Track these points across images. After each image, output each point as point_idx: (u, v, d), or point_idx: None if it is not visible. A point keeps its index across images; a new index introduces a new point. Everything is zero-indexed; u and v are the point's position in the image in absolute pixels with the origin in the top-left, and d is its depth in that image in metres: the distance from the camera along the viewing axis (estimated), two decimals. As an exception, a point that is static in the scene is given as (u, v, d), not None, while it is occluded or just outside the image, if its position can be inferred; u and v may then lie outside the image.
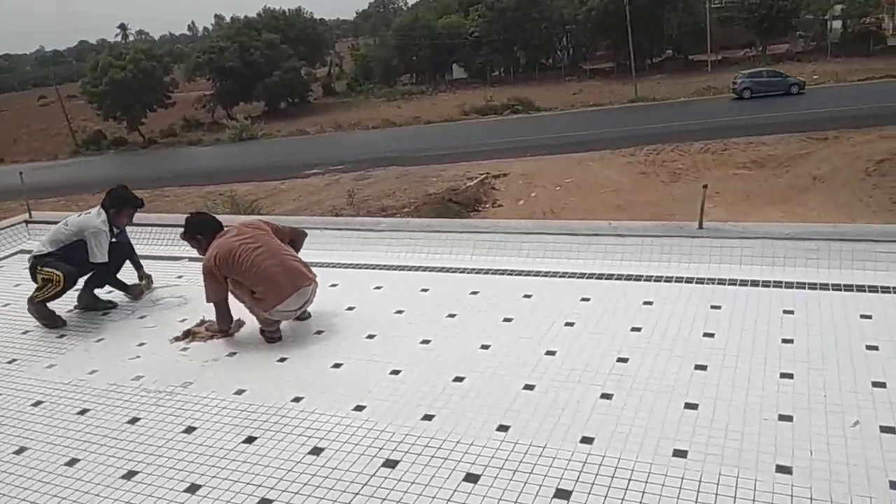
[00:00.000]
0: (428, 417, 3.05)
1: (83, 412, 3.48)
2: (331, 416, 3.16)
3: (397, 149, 35.21)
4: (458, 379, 3.34)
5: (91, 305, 4.89)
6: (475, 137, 35.85)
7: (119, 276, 4.96)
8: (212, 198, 25.70)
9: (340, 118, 48.67)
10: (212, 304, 4.08)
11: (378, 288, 4.64)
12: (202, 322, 4.34)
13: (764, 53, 52.85)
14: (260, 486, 2.74)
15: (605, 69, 57.20)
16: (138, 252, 5.21)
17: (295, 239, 4.22)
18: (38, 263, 4.60)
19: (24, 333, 4.62)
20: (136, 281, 5.08)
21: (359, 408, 3.20)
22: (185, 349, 4.07)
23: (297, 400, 3.34)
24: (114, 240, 4.78)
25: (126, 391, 3.64)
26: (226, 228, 4.11)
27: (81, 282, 4.74)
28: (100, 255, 4.62)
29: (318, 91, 62.05)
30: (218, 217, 4.36)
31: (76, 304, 4.87)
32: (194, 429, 3.20)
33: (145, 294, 5.03)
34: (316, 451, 2.92)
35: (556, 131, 34.70)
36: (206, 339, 4.21)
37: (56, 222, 6.73)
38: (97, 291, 4.92)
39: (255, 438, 3.07)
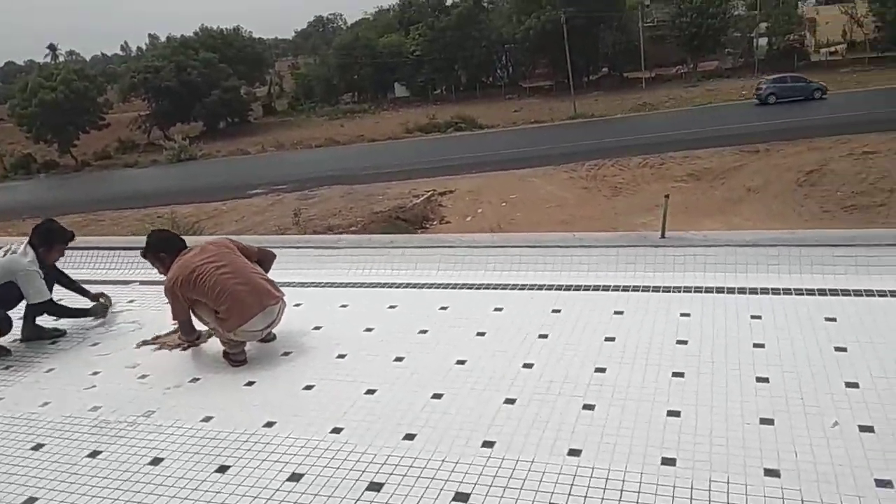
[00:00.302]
0: (409, 437, 2.97)
1: (37, 447, 3.27)
2: (307, 440, 3.04)
3: (341, 167, 35.02)
4: (437, 396, 3.26)
5: (35, 335, 4.63)
6: (420, 155, 35.95)
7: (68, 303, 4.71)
8: (149, 220, 25.02)
9: (282, 137, 48.17)
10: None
11: (344, 306, 4.54)
12: (174, 331, 4.19)
13: (695, 70, 54.83)
14: (242, 517, 2.61)
15: (543, 87, 58.33)
16: (87, 276, 4.97)
17: (263, 259, 4.09)
18: None
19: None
20: (91, 303, 4.81)
21: (336, 430, 3.10)
22: (143, 377, 3.87)
23: (269, 425, 3.21)
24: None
25: (83, 423, 3.43)
26: (189, 247, 3.96)
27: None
28: (37, 294, 4.32)
29: (258, 111, 61.29)
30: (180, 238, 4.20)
31: (21, 336, 4.60)
32: (161, 460, 3.04)
33: (109, 311, 4.80)
34: (295, 477, 2.80)
35: (499, 148, 35.12)
36: (173, 348, 4.13)
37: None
38: (39, 320, 4.67)
39: (228, 467, 2.92)
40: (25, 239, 4.54)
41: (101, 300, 4.83)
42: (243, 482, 2.81)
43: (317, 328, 4.23)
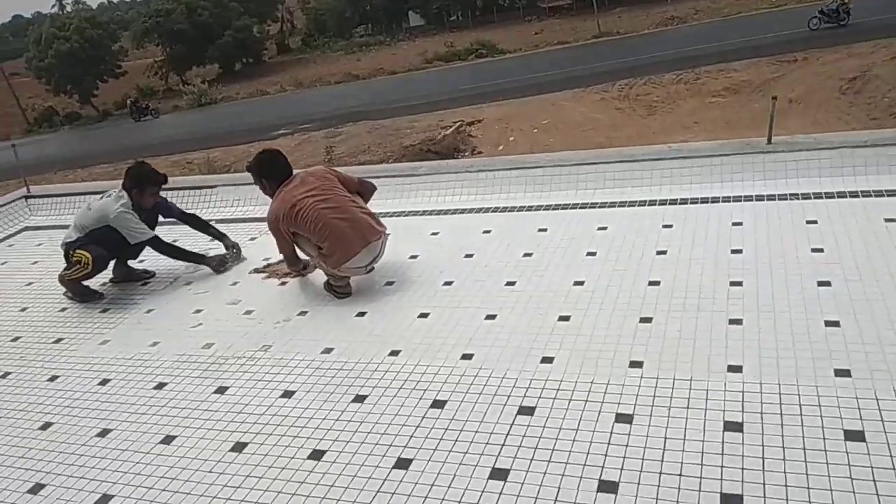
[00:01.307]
0: (547, 360, 2.86)
1: (160, 386, 3.23)
2: (439, 367, 2.95)
3: (364, 102, 34.43)
4: (564, 318, 3.14)
5: (126, 276, 4.59)
6: (443, 85, 35.16)
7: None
8: (181, 166, 24.98)
9: (300, 75, 47.33)
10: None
11: (435, 234, 4.40)
12: (279, 261, 4.19)
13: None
14: (391, 445, 2.54)
15: (563, 6, 56.30)
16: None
17: (363, 191, 3.94)
18: (69, 249, 4.27)
19: (62, 311, 4.31)
20: (219, 251, 4.60)
21: (466, 356, 3.00)
22: (248, 312, 3.81)
23: (394, 353, 3.13)
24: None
25: (200, 360, 3.39)
26: (291, 177, 3.80)
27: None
28: (138, 232, 4.24)
29: (272, 49, 60.19)
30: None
31: (111, 277, 4.56)
32: (292, 392, 2.98)
33: (232, 265, 4.53)
34: (438, 403, 2.72)
35: (523, 73, 34.17)
36: (282, 276, 4.13)
37: (57, 195, 6.41)
38: (131, 263, 4.62)
39: (365, 396, 2.86)
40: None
41: (233, 250, 4.59)
42: (385, 410, 2.74)
43: (413, 257, 4.11)
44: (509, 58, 41.21)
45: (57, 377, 3.50)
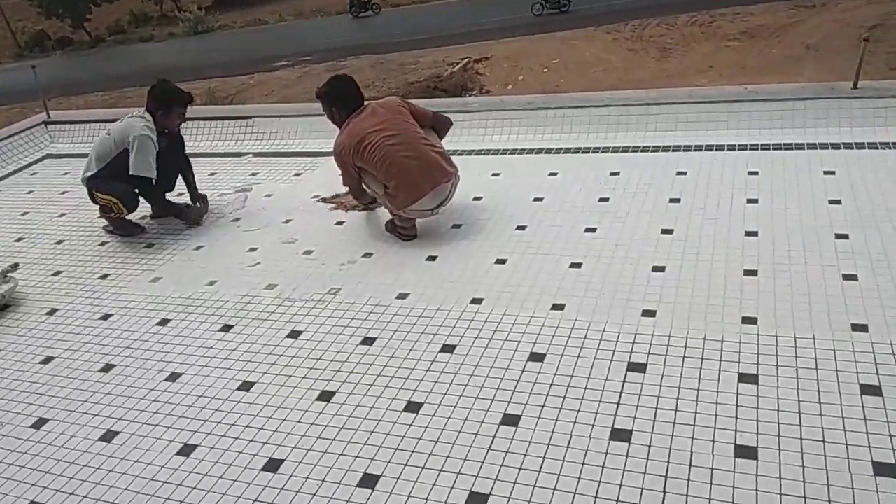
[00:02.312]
0: (649, 313, 2.70)
1: (226, 328, 3.06)
2: (529, 318, 2.79)
3: (367, 36, 33.40)
4: (659, 268, 2.97)
5: (165, 210, 4.36)
6: (448, 20, 34.11)
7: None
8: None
9: (299, 5, 45.92)
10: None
11: (496, 174, 4.18)
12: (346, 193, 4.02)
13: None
14: (492, 399, 2.39)
15: (572, -59, 54.36)
16: (194, 149, 4.55)
17: (437, 126, 3.69)
18: (92, 186, 3.98)
19: (101, 245, 4.10)
20: (188, 202, 4.28)
21: (557, 306, 2.83)
22: (308, 253, 3.61)
23: (476, 301, 2.95)
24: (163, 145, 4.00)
25: (265, 302, 3.21)
26: (361, 107, 3.55)
27: None
28: (143, 166, 3.85)
29: (270, -23, 58.10)
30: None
31: (150, 213, 4.34)
32: (373, 339, 2.81)
33: (203, 219, 4.21)
34: (535, 356, 2.56)
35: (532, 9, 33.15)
36: (349, 209, 3.97)
37: (79, 122, 6.11)
38: (168, 195, 4.36)
39: (454, 346, 2.69)
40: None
41: (199, 204, 4.25)
42: (478, 362, 2.58)
43: (477, 199, 3.90)
44: (517, -7, 40.01)
45: (110, 315, 3.32)
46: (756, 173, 3.62)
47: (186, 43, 40.48)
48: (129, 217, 4.12)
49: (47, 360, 3.05)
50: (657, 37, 26.64)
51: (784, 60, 21.94)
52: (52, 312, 3.44)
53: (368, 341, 2.80)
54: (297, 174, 4.68)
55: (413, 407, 2.41)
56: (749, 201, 3.37)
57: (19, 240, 4.35)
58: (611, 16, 26.97)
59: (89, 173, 4.00)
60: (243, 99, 25.23)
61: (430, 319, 2.88)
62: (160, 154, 3.97)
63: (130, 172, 3.88)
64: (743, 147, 3.92)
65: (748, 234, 3.10)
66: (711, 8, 28.17)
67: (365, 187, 3.61)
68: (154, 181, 3.97)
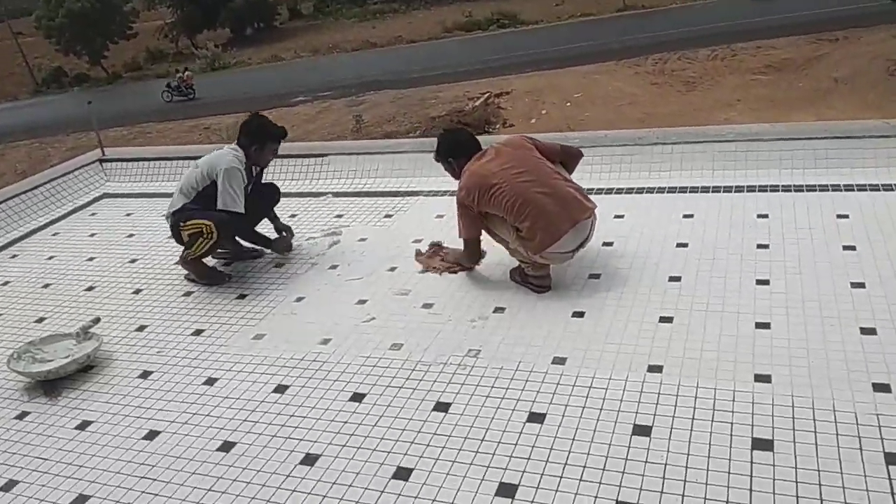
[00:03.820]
0: (882, 388, 2.28)
1: (357, 398, 2.65)
2: (732, 391, 2.37)
3: (385, 71, 33.53)
4: (868, 331, 2.55)
5: (237, 254, 3.99)
6: (466, 55, 34.26)
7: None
8: (198, 131, 24.29)
9: (314, 42, 46.32)
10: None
11: (619, 216, 3.79)
12: (435, 248, 3.65)
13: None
14: (708, 498, 1.96)
15: (583, -22, 54.97)
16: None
17: (566, 160, 3.31)
18: (178, 220, 3.67)
19: (187, 296, 3.71)
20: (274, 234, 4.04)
21: (762, 377, 2.41)
22: (428, 306, 3.21)
23: (655, 370, 2.54)
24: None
25: (395, 365, 2.80)
26: (483, 149, 3.20)
27: None
28: (230, 199, 3.59)
29: (283, 14, 58.88)
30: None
31: (220, 254, 3.96)
32: (542, 415, 2.39)
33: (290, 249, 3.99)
34: (760, 444, 2.14)
35: (550, 45, 33.22)
36: (443, 271, 3.50)
37: (134, 159, 5.77)
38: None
39: (649, 428, 2.28)
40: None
41: (285, 234, 4.04)
42: (689, 450, 2.15)
43: (607, 244, 3.50)
44: (532, 29, 40.20)
45: (215, 380, 2.92)
46: (927, 216, 3.23)
47: (203, 79, 40.72)
48: (215, 263, 3.75)
49: (151, 434, 2.64)
50: (679, 70, 26.55)
51: (814, 94, 21.72)
52: (145, 375, 3.03)
53: (537, 417, 2.39)
54: (388, 216, 4.30)
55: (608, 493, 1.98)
56: (937, 248, 2.97)
57: (90, 289, 3.97)
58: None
59: (174, 208, 3.67)
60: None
61: (603, 392, 2.46)
62: (249, 189, 3.71)
63: (218, 207, 3.60)
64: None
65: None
66: (730, 42, 28.17)
67: (490, 236, 3.22)
68: (242, 215, 3.68)
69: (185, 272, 3.83)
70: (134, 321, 3.52)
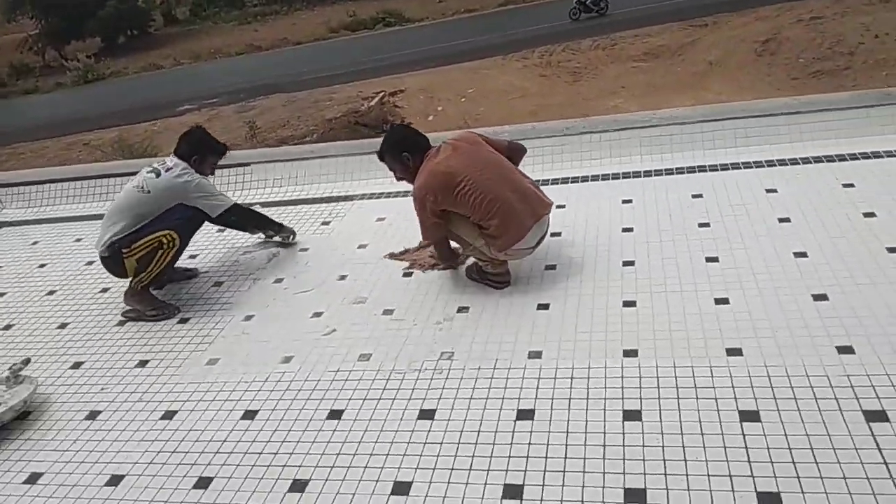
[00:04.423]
0: (846, 350, 2.42)
1: (335, 414, 2.56)
2: (710, 367, 2.45)
3: (273, 75, 32.59)
4: (820, 297, 2.70)
5: (169, 277, 3.76)
6: (355, 55, 33.86)
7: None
8: (77, 149, 22.83)
9: (194, 47, 44.54)
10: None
11: (561, 206, 3.83)
12: (419, 247, 3.57)
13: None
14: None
15: (461, -26, 55.62)
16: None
17: (513, 154, 3.30)
18: (120, 247, 3.37)
19: (120, 325, 3.47)
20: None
21: (733, 351, 2.51)
22: (388, 312, 3.13)
23: (630, 354, 2.58)
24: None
25: (366, 377, 2.72)
26: (437, 146, 3.14)
27: None
28: (217, 203, 3.56)
29: (158, 21, 56.25)
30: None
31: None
32: (531, 411, 2.39)
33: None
34: (747, 415, 2.22)
35: (436, 42, 33.32)
36: (427, 268, 3.45)
37: (33, 182, 5.34)
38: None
39: (638, 413, 2.31)
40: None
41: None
42: (683, 430, 2.20)
43: (555, 234, 3.54)
44: (418, 26, 40.25)
45: (174, 412, 2.73)
46: (851, 185, 3.46)
47: (77, 93, 38.25)
48: (156, 292, 3.53)
49: (114, 479, 2.44)
50: (565, 62, 27.31)
51: (691, 77, 22.91)
52: (93, 416, 2.81)
53: (527, 414, 2.38)
54: (326, 223, 4.18)
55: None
56: (866, 215, 3.18)
57: (7, 328, 3.63)
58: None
59: (116, 235, 3.37)
60: (153, 148, 24.01)
61: (585, 381, 2.49)
62: None
63: (213, 217, 3.55)
64: (830, 158, 3.76)
65: (890, 249, 2.90)
66: (608, 32, 29.27)
67: (448, 237, 3.18)
68: (235, 204, 3.68)
69: (127, 308, 3.52)
70: (66, 358, 3.25)
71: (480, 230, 3.04)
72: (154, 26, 54.76)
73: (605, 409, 2.33)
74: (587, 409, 2.35)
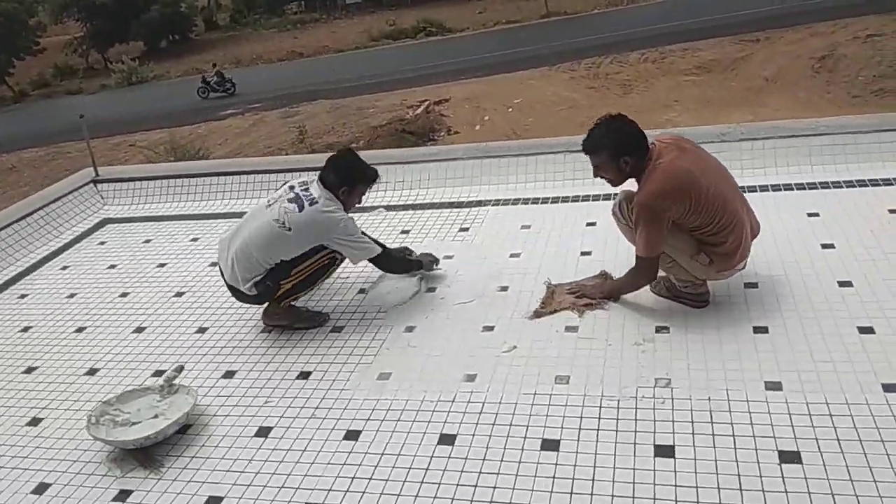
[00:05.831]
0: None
1: (552, 445, 2.25)
2: None
3: (316, 81, 32.76)
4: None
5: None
6: (397, 64, 33.90)
7: None
8: (123, 149, 23.02)
9: (236, 53, 44.98)
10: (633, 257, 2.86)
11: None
12: (549, 292, 3.13)
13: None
14: None
15: (504, -15, 55.67)
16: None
17: None
18: (278, 279, 3.06)
19: (271, 332, 3.19)
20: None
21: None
22: (573, 329, 2.83)
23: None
24: None
25: (573, 402, 2.41)
26: (655, 145, 2.77)
27: None
28: (364, 252, 3.16)
29: (200, 26, 56.96)
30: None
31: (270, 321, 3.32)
32: (797, 453, 2.06)
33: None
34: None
35: (480, 52, 33.29)
36: (583, 312, 2.96)
37: (133, 179, 5.15)
38: None
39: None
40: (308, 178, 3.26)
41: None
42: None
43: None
44: (460, 36, 40.20)
45: (357, 433, 2.46)
46: None
47: (121, 94, 38.72)
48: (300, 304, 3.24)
49: None
50: (614, 74, 27.04)
51: (745, 92, 22.51)
52: (263, 433, 2.53)
53: (790, 457, 2.05)
54: (464, 229, 3.90)
55: None
56: None
57: (139, 330, 3.38)
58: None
59: (258, 274, 3.05)
60: (205, 150, 24.06)
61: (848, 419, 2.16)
62: None
63: (355, 263, 3.25)
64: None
65: None
66: (657, 45, 28.91)
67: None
68: (383, 251, 3.27)
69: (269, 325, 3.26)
70: (215, 366, 3.02)
71: (704, 245, 2.70)
72: (196, 32, 55.45)
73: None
74: (865, 454, 2.02)
